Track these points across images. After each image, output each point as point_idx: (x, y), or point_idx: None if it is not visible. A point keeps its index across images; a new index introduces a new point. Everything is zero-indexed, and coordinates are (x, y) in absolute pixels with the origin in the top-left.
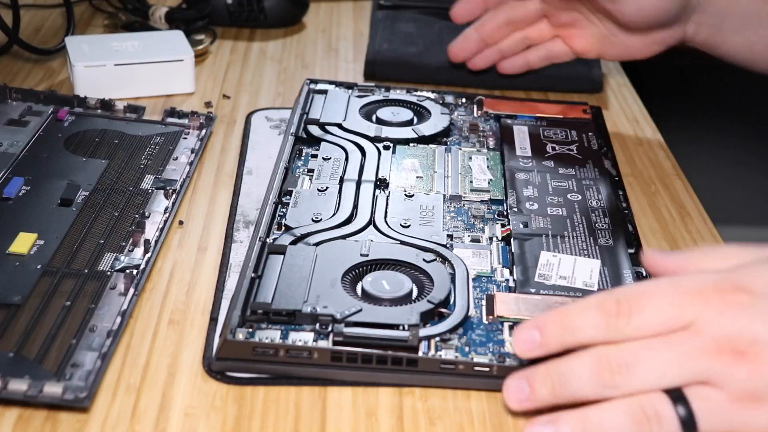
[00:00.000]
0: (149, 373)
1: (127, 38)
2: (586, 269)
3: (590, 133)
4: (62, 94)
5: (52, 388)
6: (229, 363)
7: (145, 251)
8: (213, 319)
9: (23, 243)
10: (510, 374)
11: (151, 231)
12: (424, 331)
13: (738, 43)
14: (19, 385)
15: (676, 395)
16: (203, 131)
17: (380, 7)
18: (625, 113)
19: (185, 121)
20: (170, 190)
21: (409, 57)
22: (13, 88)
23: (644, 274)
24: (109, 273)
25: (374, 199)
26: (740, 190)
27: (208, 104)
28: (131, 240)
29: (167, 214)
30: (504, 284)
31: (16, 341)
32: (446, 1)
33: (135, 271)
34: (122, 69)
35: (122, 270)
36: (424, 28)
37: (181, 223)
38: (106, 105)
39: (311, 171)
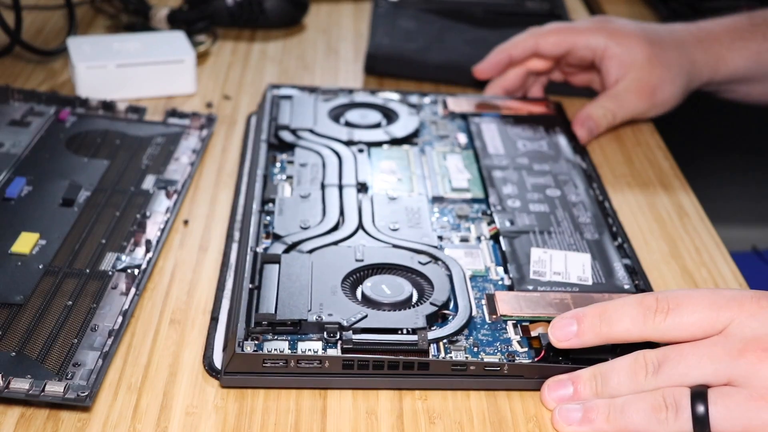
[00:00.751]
0: (150, 373)
1: (128, 39)
2: (578, 263)
3: (557, 128)
4: (64, 95)
5: (54, 388)
6: (238, 377)
7: (147, 251)
8: (214, 319)
9: (25, 243)
10: (552, 376)
11: (152, 231)
12: (431, 334)
13: (736, 93)
14: (21, 384)
15: (698, 393)
16: (204, 132)
17: (381, 3)
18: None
19: (186, 121)
20: (171, 191)
21: (409, 53)
22: (15, 88)
23: (630, 265)
24: (110, 273)
25: (359, 203)
26: (738, 190)
27: (209, 105)
28: (132, 240)
29: (168, 214)
30: (500, 282)
31: (18, 341)
32: (445, 2)
33: (136, 271)
34: (124, 70)
35: (124, 270)
36: (425, 25)
37: (186, 222)
38: (108, 106)
39: (290, 177)
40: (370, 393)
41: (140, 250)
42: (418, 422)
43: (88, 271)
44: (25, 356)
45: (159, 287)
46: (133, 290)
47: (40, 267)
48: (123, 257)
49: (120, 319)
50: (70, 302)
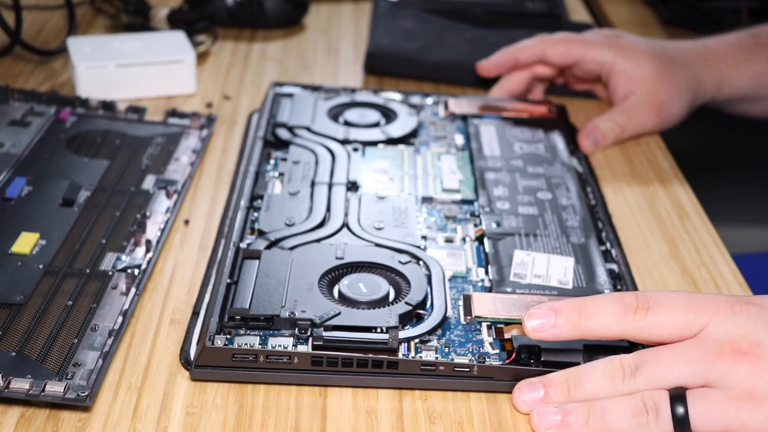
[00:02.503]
0: (150, 373)
1: (128, 39)
2: (560, 267)
3: (557, 131)
4: (64, 95)
5: (54, 387)
6: (208, 370)
7: (147, 251)
8: (195, 313)
9: (25, 243)
10: (522, 379)
11: (152, 231)
12: (403, 333)
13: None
14: (21, 384)
15: (677, 395)
16: (204, 132)
17: (381, 3)
18: None
19: (186, 121)
20: (171, 191)
21: (409, 53)
22: (16, 88)
23: (616, 271)
24: (110, 273)
25: (346, 201)
26: (739, 189)
27: (209, 105)
28: (133, 240)
29: (168, 214)
30: (480, 284)
31: (18, 341)
32: (445, 2)
33: (136, 271)
34: (124, 70)
35: (124, 270)
36: (425, 25)
37: (187, 222)
38: (108, 106)
39: (282, 174)
40: (370, 392)
41: (140, 250)
42: (418, 422)
43: (88, 271)
44: (25, 356)
45: (159, 287)
46: (133, 290)
47: (40, 267)
48: (123, 257)
49: (120, 319)
50: (70, 302)
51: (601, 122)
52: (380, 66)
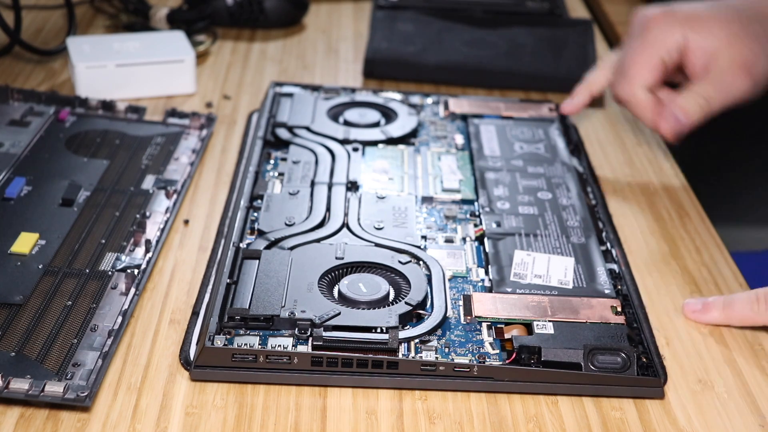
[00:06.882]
0: (150, 373)
1: (128, 39)
2: (560, 267)
3: (556, 131)
4: (63, 95)
5: (54, 388)
6: (208, 370)
7: (146, 251)
8: (195, 313)
9: (25, 243)
10: (523, 379)
11: (152, 231)
12: (403, 333)
13: None
14: (20, 385)
15: None
16: (204, 131)
17: (380, 7)
18: (624, 114)
19: (186, 121)
20: (171, 190)
21: (407, 56)
22: (15, 88)
23: (617, 271)
24: (110, 273)
25: (346, 201)
26: (739, 189)
27: (208, 105)
28: (132, 240)
29: (168, 214)
30: (480, 284)
31: (17, 341)
32: (445, 2)
33: (136, 271)
34: (123, 69)
35: (123, 270)
36: (423, 27)
37: (186, 222)
38: (108, 105)
39: (281, 174)
40: (370, 392)
41: (140, 250)
42: (418, 422)
43: (87, 271)
44: (24, 356)
45: (159, 287)
46: (132, 290)
47: (40, 267)
48: (123, 257)
49: (120, 319)
50: (70, 302)
51: (682, 99)
52: (379, 71)
